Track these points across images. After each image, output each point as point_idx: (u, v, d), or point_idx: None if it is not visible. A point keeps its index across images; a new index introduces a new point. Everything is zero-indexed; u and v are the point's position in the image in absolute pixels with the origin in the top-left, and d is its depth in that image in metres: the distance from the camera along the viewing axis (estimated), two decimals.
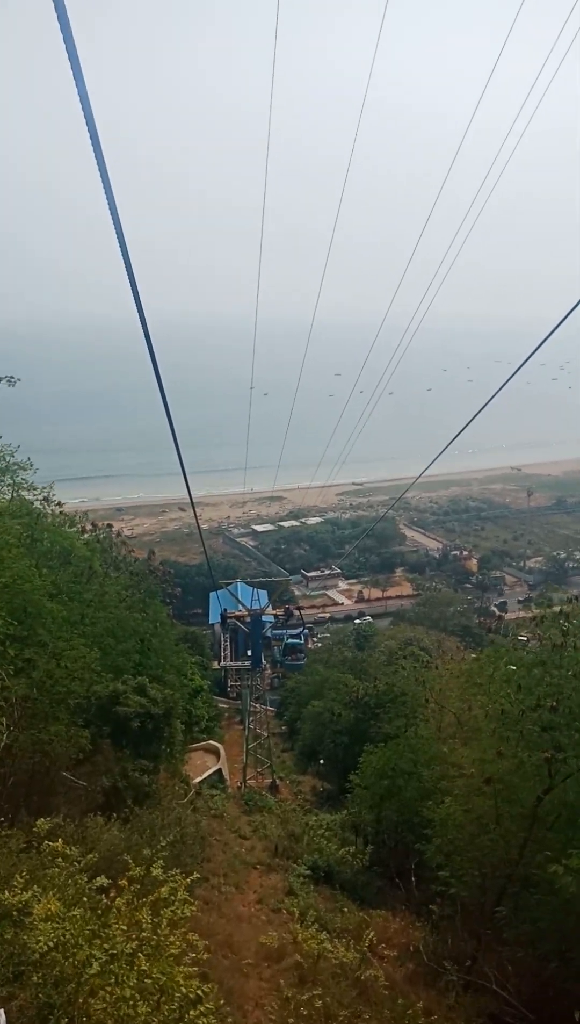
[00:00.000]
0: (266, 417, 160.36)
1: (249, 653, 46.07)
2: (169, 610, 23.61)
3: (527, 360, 10.80)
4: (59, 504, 20.23)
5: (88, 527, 20.77)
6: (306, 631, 50.53)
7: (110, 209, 5.33)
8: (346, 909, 15.95)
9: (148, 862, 11.46)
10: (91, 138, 4.77)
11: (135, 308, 6.83)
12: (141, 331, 7.32)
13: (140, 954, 7.17)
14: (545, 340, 10.27)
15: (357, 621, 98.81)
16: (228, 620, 34.23)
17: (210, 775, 29.44)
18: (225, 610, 34.68)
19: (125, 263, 6.02)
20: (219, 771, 30.32)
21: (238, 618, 34.60)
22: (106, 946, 6.51)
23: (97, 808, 13.81)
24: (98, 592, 18.72)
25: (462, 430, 14.67)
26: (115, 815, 12.71)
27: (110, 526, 21.16)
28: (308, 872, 17.63)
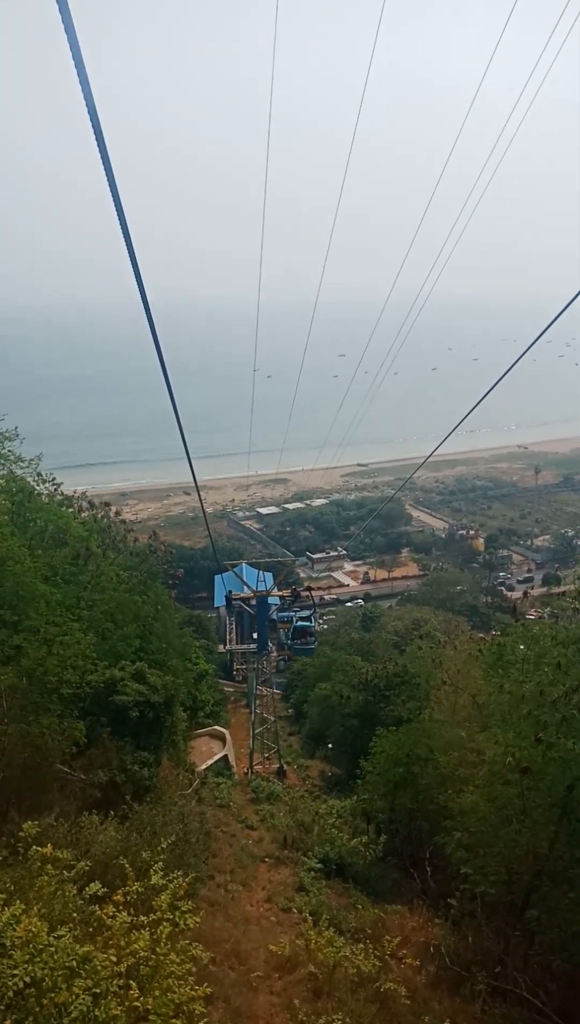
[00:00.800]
0: (270, 399, 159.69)
1: (255, 636, 45.23)
2: (172, 593, 22.64)
3: (535, 341, 10.45)
4: (54, 481, 19.28)
5: (85, 507, 19.77)
6: (313, 613, 47.72)
7: (111, 191, 5.29)
8: (360, 905, 15.10)
9: (147, 866, 10.64)
10: (92, 120, 4.70)
11: (137, 291, 6.73)
12: (144, 315, 7.22)
13: (132, 981, 6.29)
14: (552, 323, 9.95)
15: (348, 604, 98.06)
16: (233, 602, 33.24)
17: (216, 761, 28.62)
18: (230, 592, 33.76)
19: (127, 245, 5.96)
20: (225, 757, 29.50)
21: (243, 600, 33.65)
22: (90, 983, 5.57)
23: (94, 805, 12.91)
24: (95, 574, 17.73)
25: (471, 410, 14.38)
26: (112, 813, 11.78)
27: (108, 505, 20.04)
28: (319, 865, 16.76)
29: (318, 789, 31.96)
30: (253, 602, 34.50)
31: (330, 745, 34.38)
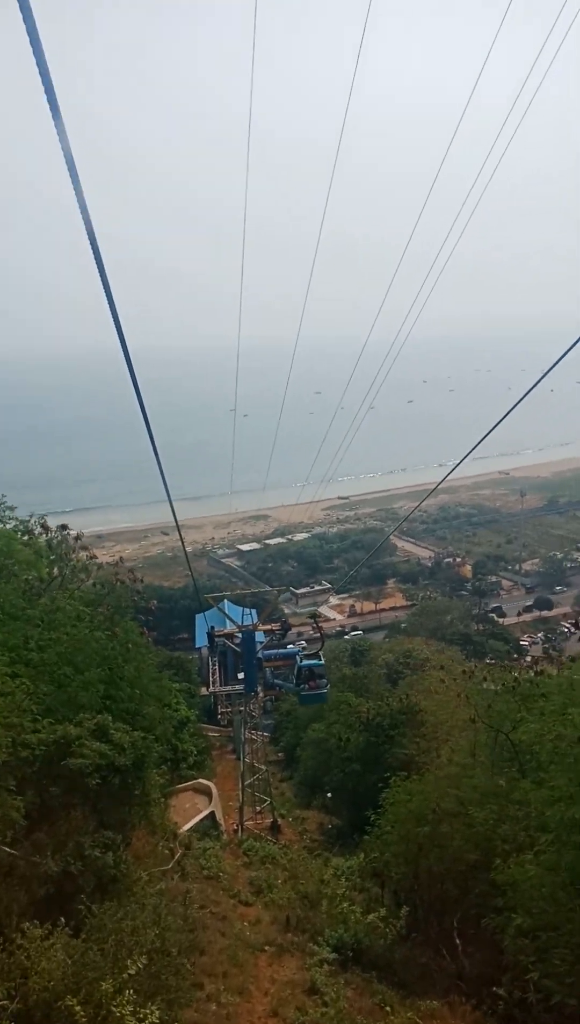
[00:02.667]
0: (248, 438, 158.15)
1: (240, 676, 41.99)
2: (145, 631, 19.44)
3: (550, 370, 10.00)
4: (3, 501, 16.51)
5: (38, 530, 16.89)
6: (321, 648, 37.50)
7: (91, 244, 5.35)
8: (388, 1007, 12.07)
9: (107, 1000, 7.67)
10: (70, 174, 4.72)
11: (116, 337, 6.84)
12: (121, 359, 7.13)
13: None
14: (571, 348, 9.22)
15: (348, 636, 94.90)
16: (216, 639, 30.21)
17: (201, 820, 25.37)
18: (212, 628, 30.70)
19: (105, 289, 6.06)
20: (212, 814, 26.24)
21: (227, 636, 30.63)
22: None
23: (42, 903, 9.89)
24: (48, 608, 14.77)
25: (479, 443, 13.41)
26: (63, 920, 8.79)
27: (65, 526, 17.07)
28: (332, 955, 13.67)
29: (318, 845, 28.72)
30: (237, 639, 31.55)
31: (329, 794, 31.14)
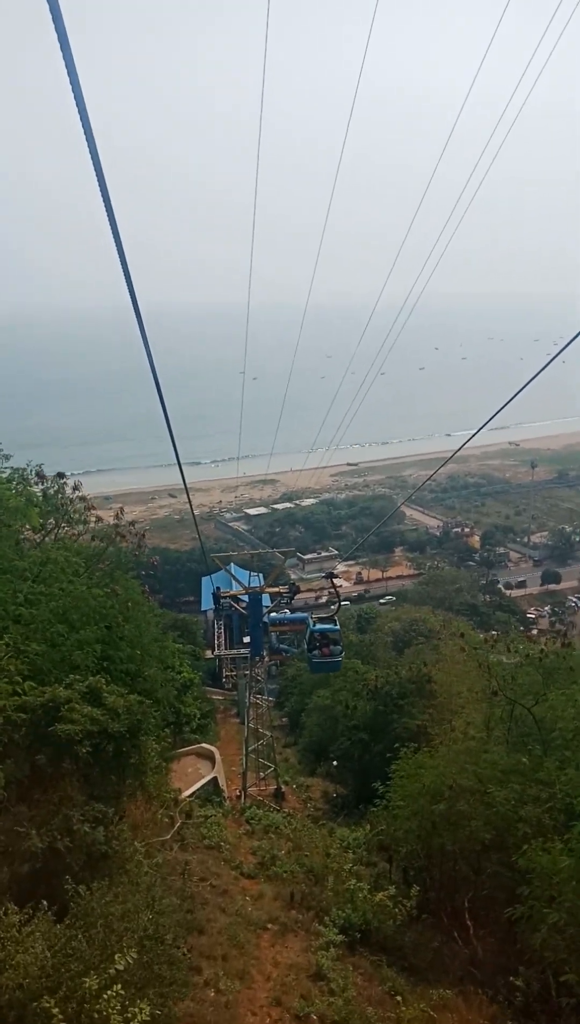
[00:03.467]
0: (258, 402, 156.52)
1: (246, 639, 41.15)
2: (147, 589, 18.28)
3: (571, 342, 9.62)
4: None
5: (34, 479, 15.78)
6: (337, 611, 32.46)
7: (102, 196, 5.24)
8: (399, 996, 11.23)
9: (92, 996, 6.73)
10: (83, 126, 4.66)
11: (128, 294, 6.62)
12: (132, 319, 6.98)
13: None
14: None
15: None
16: (222, 600, 29.17)
17: (204, 786, 24.64)
18: (218, 588, 29.69)
19: (117, 247, 5.89)
20: (214, 780, 25.49)
21: (233, 598, 29.64)
22: None
23: (26, 881, 8.99)
24: (40, 560, 13.69)
25: (496, 414, 12.62)
26: (44, 905, 7.86)
27: (62, 474, 15.88)
28: (339, 937, 12.82)
29: (322, 813, 28.05)
30: (244, 602, 30.60)
31: (334, 762, 30.42)
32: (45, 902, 7.97)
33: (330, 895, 14.86)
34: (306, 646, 28.13)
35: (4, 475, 16.03)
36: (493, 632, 49.46)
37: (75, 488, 15.77)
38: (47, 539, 15.71)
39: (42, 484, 15.85)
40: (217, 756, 27.47)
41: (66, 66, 4.24)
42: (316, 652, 27.18)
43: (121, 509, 16.51)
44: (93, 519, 16.18)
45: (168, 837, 14.74)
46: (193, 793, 23.72)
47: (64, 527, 16.07)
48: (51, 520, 15.77)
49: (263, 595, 29.43)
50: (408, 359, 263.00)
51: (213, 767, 26.55)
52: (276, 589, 29.95)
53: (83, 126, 4.63)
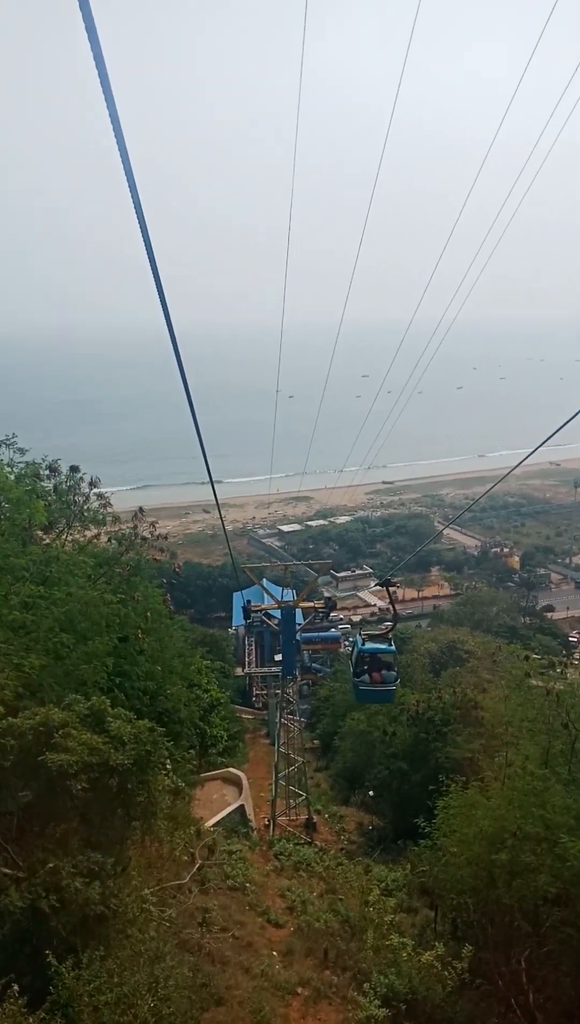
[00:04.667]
0: (292, 420, 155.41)
1: (277, 657, 39.21)
2: (165, 596, 16.38)
3: None
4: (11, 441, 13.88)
5: (45, 474, 14.20)
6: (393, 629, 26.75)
7: (139, 221, 5.28)
8: None
9: None
10: (120, 150, 4.69)
11: (162, 314, 6.54)
12: (165, 341, 7.07)
13: None
14: None
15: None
16: (253, 614, 27.19)
17: (229, 814, 22.82)
18: (248, 602, 27.80)
19: (152, 267, 5.90)
20: (241, 808, 23.67)
21: (264, 612, 27.79)
22: None
23: (4, 953, 7.29)
24: (41, 559, 12.07)
25: (556, 432, 11.29)
26: (14, 990, 6.17)
27: (76, 468, 14.18)
28: (381, 1010, 10.92)
29: (357, 848, 26.00)
30: (276, 619, 28.82)
31: (371, 792, 28.32)
32: (16, 984, 6.25)
33: (369, 953, 12.96)
34: (353, 669, 22.51)
35: (17, 470, 14.56)
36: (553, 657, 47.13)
37: (92, 484, 14.21)
38: (58, 540, 14.16)
39: (54, 478, 14.34)
40: (244, 782, 25.65)
41: (102, 89, 4.21)
42: (365, 677, 22.00)
43: (140, 509, 14.89)
44: (111, 519, 14.54)
45: (186, 880, 12.94)
46: (217, 822, 21.95)
47: (76, 527, 14.47)
48: (62, 520, 14.19)
49: (296, 610, 27.43)
50: (446, 379, 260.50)
51: (240, 794, 24.75)
52: (310, 604, 28.05)
53: (120, 150, 4.61)
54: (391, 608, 26.32)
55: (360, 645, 22.02)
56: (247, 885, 15.89)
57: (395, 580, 22.54)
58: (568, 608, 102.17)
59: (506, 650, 36.84)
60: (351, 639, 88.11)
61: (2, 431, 14.49)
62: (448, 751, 23.36)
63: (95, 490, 14.16)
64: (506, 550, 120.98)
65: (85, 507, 14.07)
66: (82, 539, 14.69)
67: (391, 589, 24.04)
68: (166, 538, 15.35)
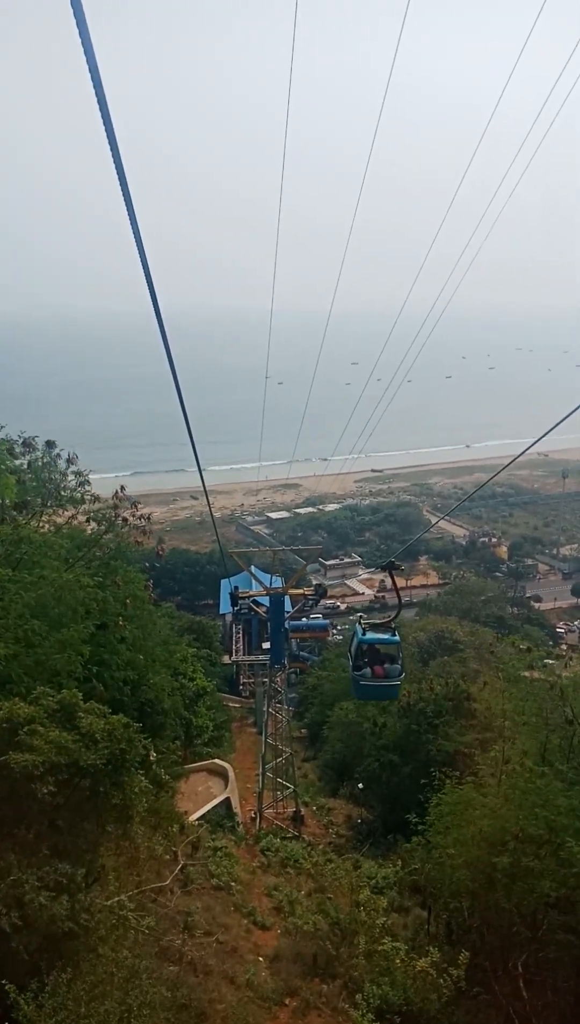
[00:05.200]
0: (281, 407, 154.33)
1: (265, 645, 38.43)
2: (148, 582, 15.28)
3: None
4: None
5: (19, 451, 13.19)
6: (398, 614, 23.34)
7: (125, 201, 5.20)
8: None
9: None
10: (106, 132, 4.59)
11: (149, 298, 6.42)
12: (153, 322, 6.88)
13: None
14: None
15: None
16: (240, 601, 26.25)
17: (215, 807, 22.16)
18: (236, 588, 26.90)
19: (140, 254, 5.83)
20: (227, 801, 23.00)
21: (253, 601, 26.94)
22: None
23: None
24: (10, 539, 11.17)
25: (566, 417, 10.41)
26: None
27: (52, 443, 13.12)
28: (375, 1022, 10.23)
29: (345, 841, 25.38)
30: (264, 606, 28.03)
31: (360, 784, 27.65)
32: None
33: (361, 959, 12.27)
34: (351, 662, 19.99)
35: None
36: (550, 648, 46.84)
37: (69, 461, 13.27)
38: (33, 520, 13.24)
39: (29, 454, 13.39)
40: (231, 774, 24.97)
41: (89, 69, 4.17)
42: (366, 671, 19.48)
43: (122, 487, 13.95)
44: (90, 500, 13.58)
45: (168, 882, 12.20)
46: (203, 815, 21.27)
47: (51, 506, 13.49)
48: (38, 499, 13.22)
49: (285, 598, 26.60)
50: (435, 367, 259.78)
51: (226, 786, 24.08)
52: (300, 591, 27.23)
53: (104, 123, 4.49)
54: (394, 594, 24.49)
55: (360, 635, 19.53)
56: (232, 884, 15.20)
57: (399, 564, 19.68)
58: (555, 599, 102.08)
59: (504, 641, 36.33)
60: (343, 628, 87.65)
61: None
62: (440, 744, 22.78)
63: (73, 467, 13.26)
64: (494, 540, 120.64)
65: (62, 486, 13.19)
66: (59, 519, 13.77)
67: (392, 573, 20.68)
68: (149, 519, 14.44)
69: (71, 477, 13.20)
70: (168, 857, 13.81)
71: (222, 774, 24.88)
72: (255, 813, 26.38)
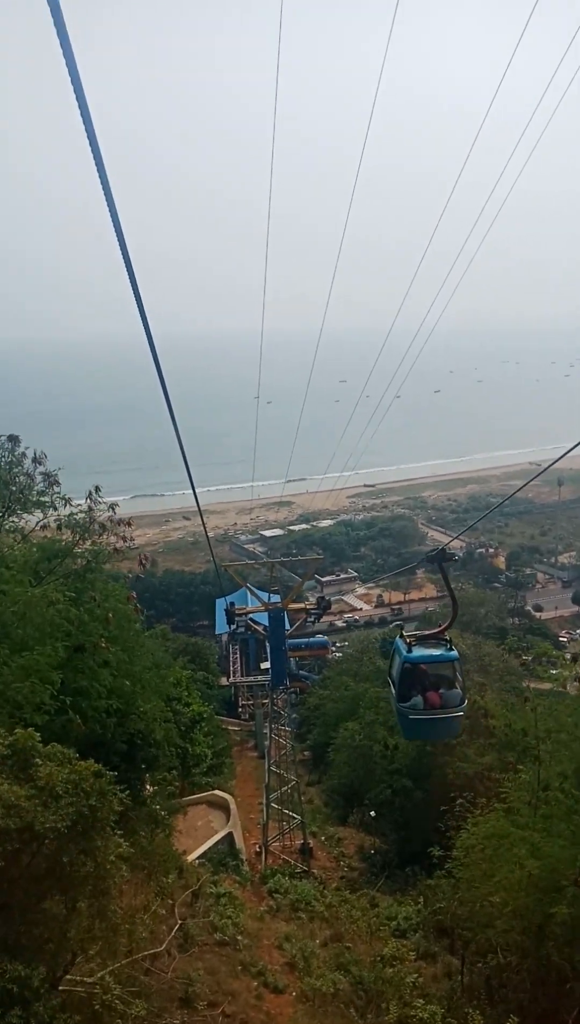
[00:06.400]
0: (272, 426, 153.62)
1: (264, 665, 36.56)
2: (133, 593, 13.37)
3: None
4: None
5: None
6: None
7: (113, 221, 5.20)
8: None
9: None
10: (95, 159, 4.60)
11: (140, 322, 6.55)
12: (143, 345, 6.81)
13: None
14: None
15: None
16: (237, 618, 24.44)
17: (216, 844, 20.32)
18: (232, 604, 25.13)
19: (129, 277, 5.85)
20: (229, 836, 21.14)
21: (251, 619, 25.21)
22: None
23: None
24: None
25: None
26: None
27: (15, 437, 11.41)
28: None
29: (358, 874, 23.52)
30: (262, 625, 26.30)
31: (373, 812, 25.73)
32: None
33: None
34: (394, 690, 14.98)
35: None
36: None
37: (36, 461, 11.51)
38: None
39: None
40: (232, 806, 23.10)
41: (69, 73, 4.16)
42: (416, 700, 14.42)
43: (96, 488, 12.20)
44: (61, 504, 11.78)
45: (163, 946, 10.41)
46: (203, 854, 19.44)
47: (15, 510, 11.65)
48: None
49: (284, 614, 24.84)
50: (423, 382, 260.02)
51: (228, 819, 22.23)
52: (301, 605, 25.46)
53: (92, 150, 4.50)
54: (450, 593, 17.48)
55: (404, 652, 14.65)
56: (238, 938, 13.36)
57: (453, 552, 15.26)
58: (556, 607, 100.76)
59: (537, 649, 34.59)
60: (341, 646, 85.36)
61: None
62: (458, 765, 21.00)
63: (41, 468, 11.53)
64: (491, 550, 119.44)
65: (28, 488, 11.42)
66: (26, 526, 11.99)
67: (446, 563, 14.86)
68: (130, 523, 12.74)
69: (39, 479, 11.52)
70: (164, 912, 12.02)
71: (223, 806, 23.03)
72: (260, 847, 24.47)
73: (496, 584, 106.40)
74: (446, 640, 15.20)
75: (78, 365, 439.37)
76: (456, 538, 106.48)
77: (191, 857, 18.58)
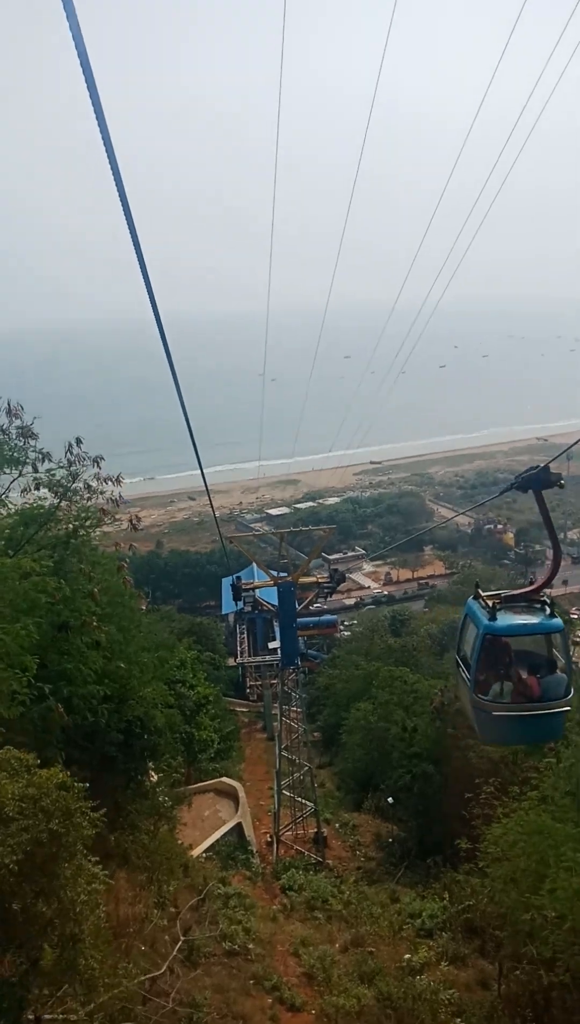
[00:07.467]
0: (277, 404, 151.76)
1: (272, 645, 35.16)
2: (124, 563, 11.80)
3: None
4: None
5: None
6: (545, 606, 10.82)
7: (122, 204, 5.27)
8: None
9: None
10: (104, 140, 4.70)
11: (149, 305, 6.55)
12: (150, 328, 7.24)
13: None
14: None
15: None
16: (244, 592, 22.92)
17: (225, 835, 19.05)
18: (238, 578, 23.60)
19: (138, 259, 5.88)
20: (238, 827, 19.87)
21: (255, 589, 23.68)
22: None
23: None
24: None
25: None
26: None
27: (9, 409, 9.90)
28: None
29: (376, 864, 22.21)
30: (268, 604, 24.86)
31: (390, 799, 24.34)
32: None
33: None
34: (469, 675, 10.82)
35: None
36: None
37: (12, 414, 9.94)
38: None
39: None
40: (241, 793, 21.85)
41: (85, 80, 4.24)
42: (499, 688, 10.55)
43: (77, 440, 10.64)
44: (40, 461, 10.19)
45: (163, 968, 9.05)
46: (211, 846, 18.17)
47: None
48: None
49: (294, 588, 23.28)
50: (428, 358, 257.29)
51: (236, 808, 20.98)
52: (312, 579, 23.96)
53: (103, 138, 4.62)
54: (548, 535, 12.29)
55: (484, 620, 10.49)
56: (249, 946, 12.04)
57: (557, 475, 10.81)
58: (566, 583, 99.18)
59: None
60: (350, 624, 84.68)
61: None
62: (482, 749, 19.59)
63: (16, 422, 9.96)
64: (500, 527, 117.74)
65: (3, 445, 9.88)
66: None
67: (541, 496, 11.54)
68: (120, 481, 11.23)
69: (14, 433, 9.99)
70: (166, 923, 10.70)
71: (232, 794, 21.79)
72: (271, 837, 23.19)
73: (505, 561, 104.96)
74: (544, 602, 10.94)
75: (83, 353, 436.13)
76: (463, 513, 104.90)
77: (198, 851, 17.35)
